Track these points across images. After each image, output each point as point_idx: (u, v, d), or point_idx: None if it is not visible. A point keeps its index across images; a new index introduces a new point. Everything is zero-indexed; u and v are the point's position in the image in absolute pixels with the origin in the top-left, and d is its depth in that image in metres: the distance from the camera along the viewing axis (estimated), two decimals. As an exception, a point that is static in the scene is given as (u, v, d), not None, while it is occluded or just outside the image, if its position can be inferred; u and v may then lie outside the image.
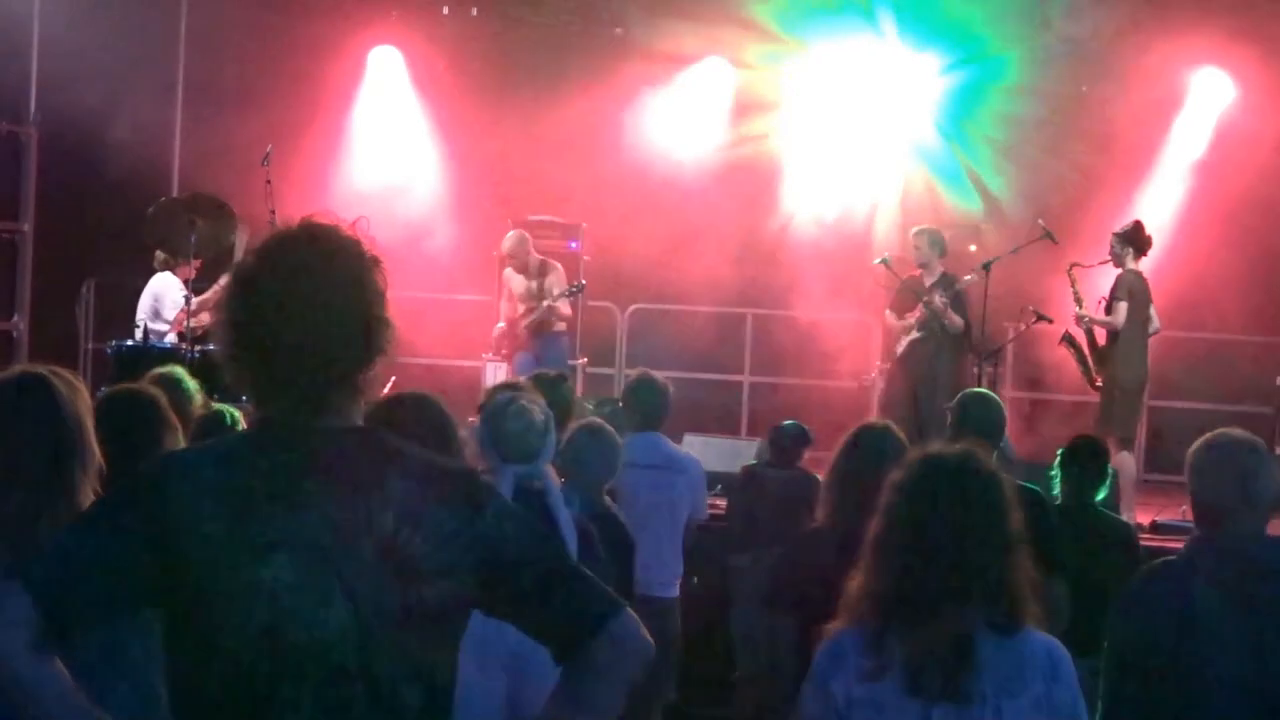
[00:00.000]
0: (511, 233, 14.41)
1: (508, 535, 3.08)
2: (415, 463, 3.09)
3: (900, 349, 13.50)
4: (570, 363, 14.36)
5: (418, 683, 3.00)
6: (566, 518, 5.47)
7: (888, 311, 13.75)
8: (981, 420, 7.50)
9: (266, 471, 2.98)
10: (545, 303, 14.19)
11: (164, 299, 12.72)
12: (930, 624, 3.95)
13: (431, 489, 3.05)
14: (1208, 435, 5.09)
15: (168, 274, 12.79)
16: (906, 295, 13.49)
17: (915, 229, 13.81)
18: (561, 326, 14.41)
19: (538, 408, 5.42)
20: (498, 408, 5.39)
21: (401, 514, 3.00)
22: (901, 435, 6.02)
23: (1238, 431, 5.12)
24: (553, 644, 3.11)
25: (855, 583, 4.09)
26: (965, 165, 16.15)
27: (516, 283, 14.35)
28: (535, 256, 14.38)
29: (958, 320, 13.18)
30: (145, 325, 12.56)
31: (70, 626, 2.92)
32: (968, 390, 8.53)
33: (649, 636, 3.14)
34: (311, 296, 3.03)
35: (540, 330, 14.21)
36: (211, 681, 2.92)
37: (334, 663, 2.92)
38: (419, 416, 4.42)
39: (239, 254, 12.50)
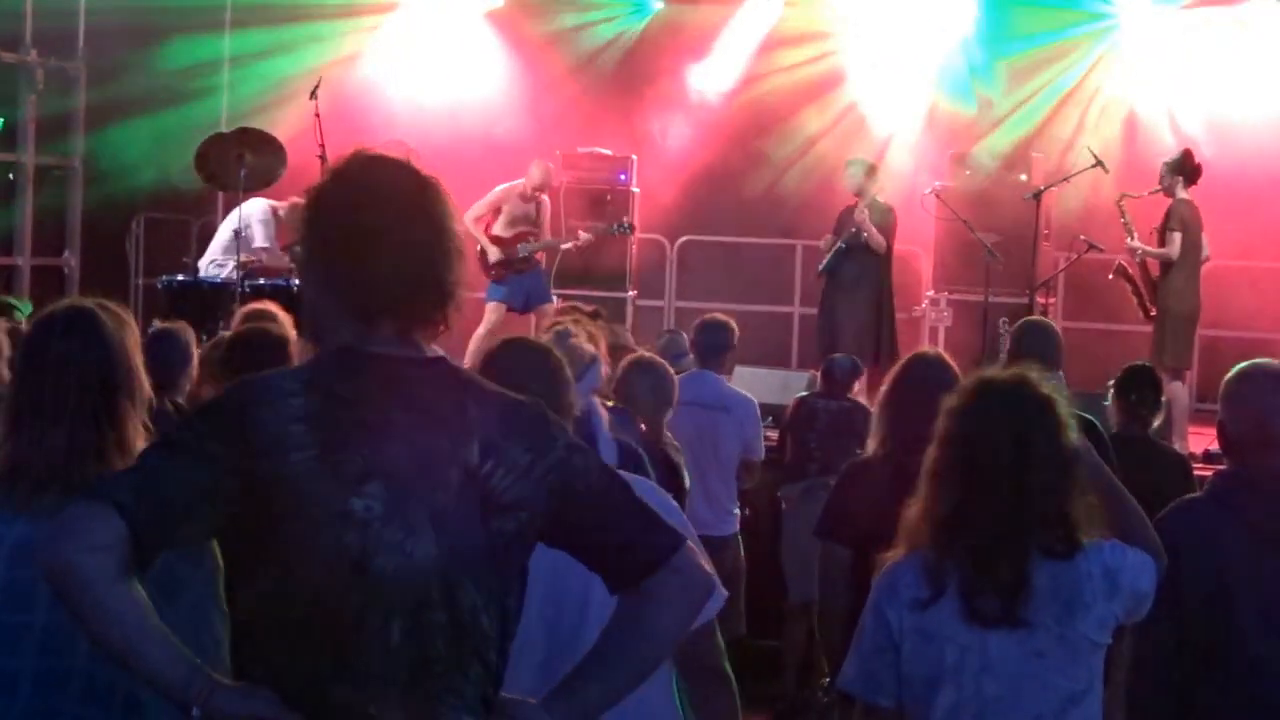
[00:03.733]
0: (540, 163, 14.34)
1: (577, 468, 3.09)
2: (490, 395, 3.10)
3: (823, 264, 13.78)
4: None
5: (494, 611, 3.02)
6: (607, 439, 5.54)
7: (828, 236, 13.90)
8: (1040, 346, 7.53)
9: (353, 400, 2.97)
10: (584, 234, 14.43)
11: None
12: (988, 550, 3.93)
13: (508, 421, 3.06)
14: (1241, 365, 5.03)
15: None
16: (842, 222, 13.80)
17: (849, 159, 14.10)
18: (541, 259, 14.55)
19: (585, 335, 5.59)
20: (552, 336, 5.52)
21: (484, 446, 3.01)
22: (953, 364, 5.97)
23: (1269, 363, 5.04)
24: (613, 575, 3.12)
25: (912, 511, 4.07)
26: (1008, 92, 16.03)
27: (515, 206, 14.26)
28: None
29: (878, 237, 13.43)
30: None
31: (154, 552, 2.89)
32: (1027, 318, 8.49)
33: (711, 569, 3.16)
34: (405, 222, 3.03)
35: (531, 261, 14.28)
36: (298, 610, 2.90)
37: (420, 592, 2.93)
38: (529, 364, 4.40)
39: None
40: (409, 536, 2.92)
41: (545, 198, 14.43)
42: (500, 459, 3.01)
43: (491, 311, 13.91)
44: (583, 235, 14.50)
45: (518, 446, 3.04)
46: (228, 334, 6.88)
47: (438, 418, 3.00)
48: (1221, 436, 5.02)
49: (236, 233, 12.55)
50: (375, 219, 3.02)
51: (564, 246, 14.58)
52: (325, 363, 3.04)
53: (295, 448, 2.90)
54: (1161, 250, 12.34)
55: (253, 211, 12.93)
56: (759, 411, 9.39)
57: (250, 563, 2.96)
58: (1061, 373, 9.54)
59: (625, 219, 14.72)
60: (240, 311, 7.80)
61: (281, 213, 12.95)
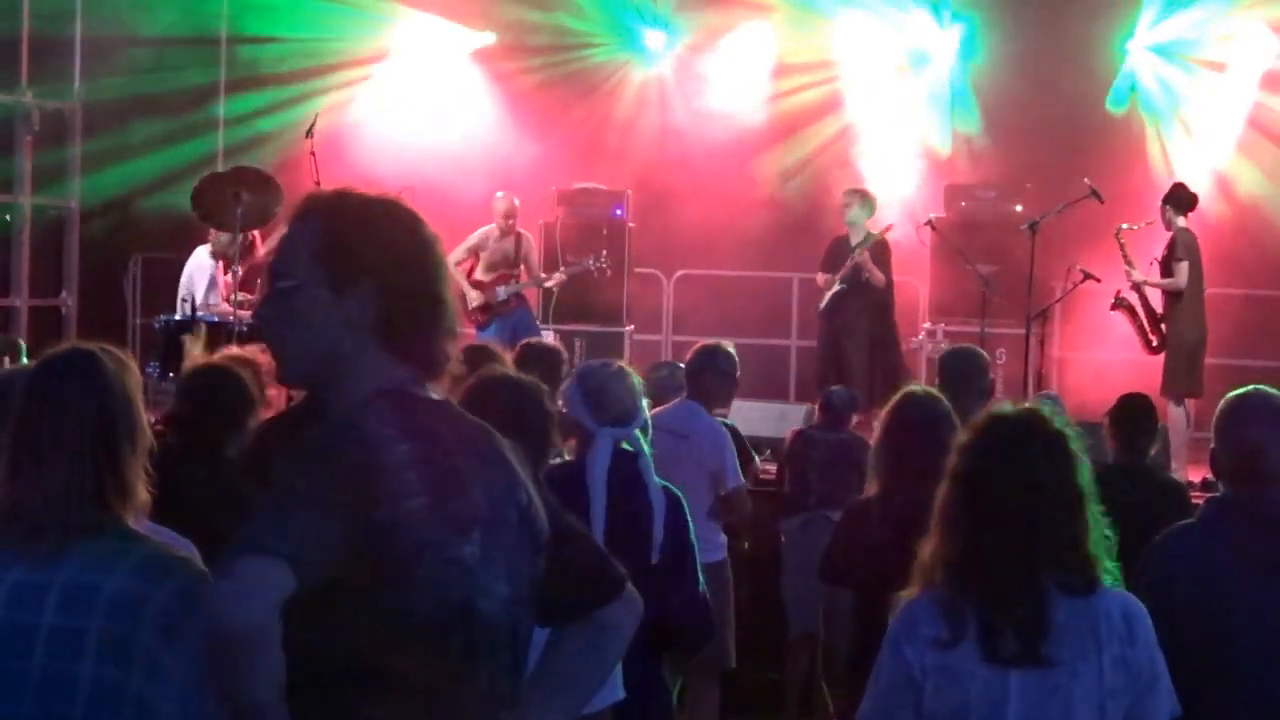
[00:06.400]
0: (502, 193, 14.31)
1: (552, 504, 3.17)
2: (502, 437, 3.14)
3: (824, 303, 13.81)
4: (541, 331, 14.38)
5: (532, 650, 3.11)
6: (654, 482, 5.49)
7: (820, 272, 13.94)
8: (957, 372, 7.81)
9: (442, 445, 2.96)
10: (558, 274, 14.36)
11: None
12: (1004, 588, 3.89)
13: (521, 461, 3.12)
14: (1234, 393, 5.02)
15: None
16: (835, 254, 13.83)
17: (847, 189, 14.17)
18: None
19: (634, 370, 5.54)
20: (596, 370, 5.49)
21: (525, 486, 3.08)
22: (943, 399, 5.99)
23: (1261, 393, 5.03)
24: (569, 606, 3.18)
25: (926, 549, 4.03)
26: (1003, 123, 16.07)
27: (493, 248, 14.20)
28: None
29: (879, 275, 13.47)
30: (191, 300, 12.67)
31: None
32: (951, 346, 8.62)
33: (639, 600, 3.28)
34: (427, 262, 3.04)
35: (512, 302, 14.23)
36: (398, 657, 2.87)
37: (501, 633, 2.98)
38: (518, 398, 4.38)
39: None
40: (496, 580, 2.96)
41: (528, 235, 14.42)
42: (534, 498, 3.08)
43: None
44: (557, 275, 14.44)
45: (532, 485, 3.10)
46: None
47: (492, 460, 3.04)
48: (1214, 464, 5.03)
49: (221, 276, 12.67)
50: (402, 260, 3.00)
51: (547, 285, 14.52)
52: (390, 407, 2.96)
53: (409, 494, 2.87)
54: (1169, 281, 12.41)
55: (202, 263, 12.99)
56: (729, 441, 8.99)
57: (343, 610, 2.86)
58: (1059, 400, 9.60)
59: (603, 254, 14.64)
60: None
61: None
